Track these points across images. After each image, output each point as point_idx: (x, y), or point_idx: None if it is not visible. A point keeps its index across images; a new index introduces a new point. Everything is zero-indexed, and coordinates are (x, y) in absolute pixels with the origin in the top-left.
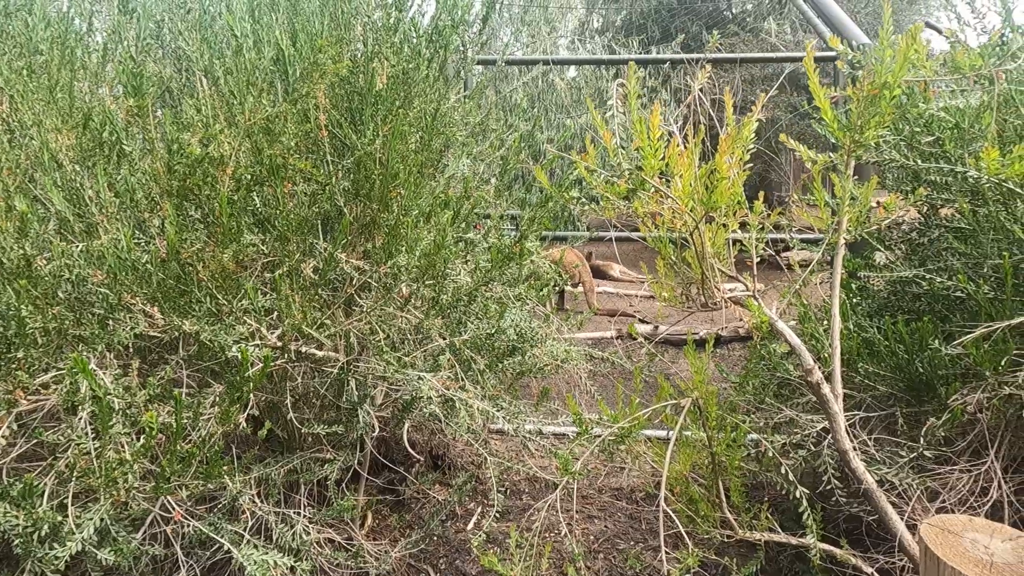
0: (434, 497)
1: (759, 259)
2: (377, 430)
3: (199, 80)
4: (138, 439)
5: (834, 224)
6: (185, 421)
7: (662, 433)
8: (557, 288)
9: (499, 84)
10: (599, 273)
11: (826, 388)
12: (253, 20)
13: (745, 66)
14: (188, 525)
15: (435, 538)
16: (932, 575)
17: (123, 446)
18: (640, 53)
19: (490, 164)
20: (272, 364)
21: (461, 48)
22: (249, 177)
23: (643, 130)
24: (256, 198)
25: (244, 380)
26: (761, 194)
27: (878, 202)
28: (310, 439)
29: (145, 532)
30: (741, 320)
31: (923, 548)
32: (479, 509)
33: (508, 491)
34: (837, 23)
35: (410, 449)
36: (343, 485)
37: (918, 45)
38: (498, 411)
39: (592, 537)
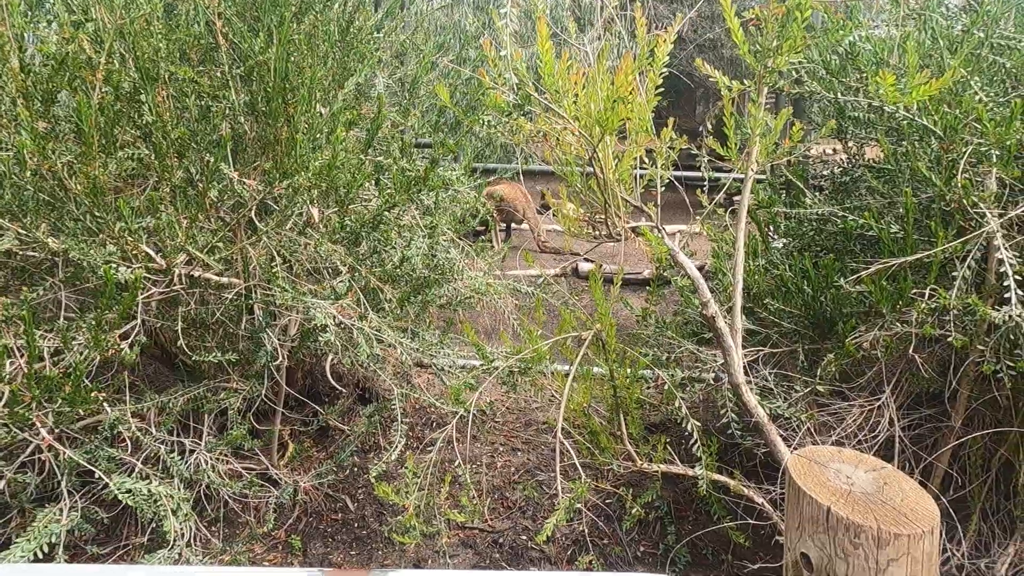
0: (358, 429)
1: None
2: (284, 359)
3: None
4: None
5: (744, 155)
6: (57, 345)
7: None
8: (503, 227)
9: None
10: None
11: (721, 322)
12: None
13: (706, 2)
14: (63, 454)
15: (355, 469)
16: (794, 504)
17: None
18: None
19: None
20: (144, 287)
21: None
22: (132, 85)
23: (545, 47)
24: (147, 110)
25: (111, 303)
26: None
27: (834, 149)
28: (215, 368)
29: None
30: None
31: (788, 478)
32: (403, 441)
33: (435, 424)
34: None
35: (334, 382)
36: (255, 415)
37: None
38: (411, 342)
39: (513, 469)
